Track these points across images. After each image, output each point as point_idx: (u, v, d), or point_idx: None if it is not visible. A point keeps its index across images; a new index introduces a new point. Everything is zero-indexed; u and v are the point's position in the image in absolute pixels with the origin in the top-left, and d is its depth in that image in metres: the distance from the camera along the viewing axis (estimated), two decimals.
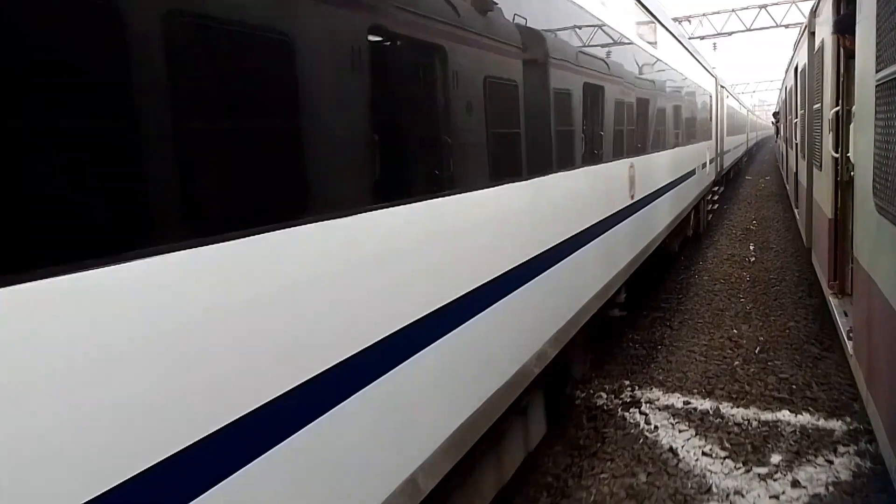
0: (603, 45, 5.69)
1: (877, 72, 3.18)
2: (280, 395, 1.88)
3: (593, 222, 5.17)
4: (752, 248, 12.55)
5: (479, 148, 3.31)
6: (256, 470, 1.79)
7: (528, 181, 3.85)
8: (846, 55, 5.13)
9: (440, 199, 2.84)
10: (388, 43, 2.60)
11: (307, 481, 2.04)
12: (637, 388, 5.87)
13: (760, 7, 31.33)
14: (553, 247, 4.19)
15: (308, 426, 2.00)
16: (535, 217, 3.99)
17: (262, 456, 1.82)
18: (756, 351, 6.71)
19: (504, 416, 3.45)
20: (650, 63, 7.86)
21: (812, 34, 7.64)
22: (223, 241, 1.71)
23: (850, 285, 5.24)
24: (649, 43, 7.82)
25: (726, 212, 17.97)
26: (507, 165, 3.63)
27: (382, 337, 2.35)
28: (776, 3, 30.90)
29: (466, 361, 3.06)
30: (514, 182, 3.64)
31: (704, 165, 13.58)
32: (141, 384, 1.49)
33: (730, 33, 33.26)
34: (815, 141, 7.31)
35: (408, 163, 2.82)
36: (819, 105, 6.59)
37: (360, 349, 2.23)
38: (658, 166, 8.19)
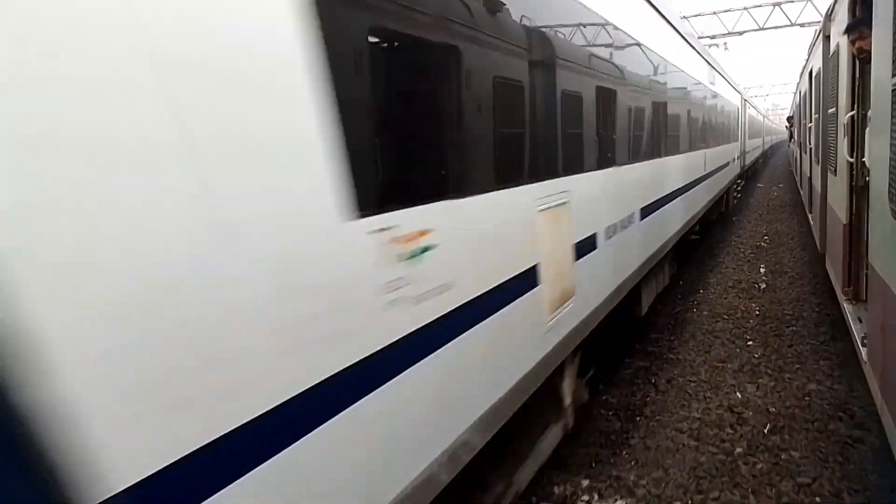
0: (700, 92, 10.97)
1: (893, 76, 3.13)
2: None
3: (696, 178, 10.22)
4: (762, 271, 10.85)
5: (682, 138, 8.89)
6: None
7: (685, 154, 9.12)
8: (861, 59, 4.95)
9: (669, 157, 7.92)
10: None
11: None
12: (596, 496, 4.22)
13: (774, 4, 29.43)
14: (686, 184, 9.28)
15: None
16: (685, 169, 9.08)
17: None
18: (765, 431, 5.05)
19: (661, 261, 7.69)
20: (712, 95, 13.00)
21: (827, 38, 7.62)
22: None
23: (865, 291, 5.23)
24: (710, 83, 12.79)
25: (734, 224, 16.21)
26: (678, 145, 8.61)
27: (649, 203, 6.70)
28: (790, 1, 29.02)
29: (659, 220, 7.38)
30: (677, 154, 8.50)
31: (734, 160, 19.03)
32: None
33: (741, 32, 31.31)
34: (829, 145, 7.29)
35: (682, 139, 8.79)
36: (834, 109, 6.58)
37: (643, 207, 6.42)
38: (714, 155, 13.23)
